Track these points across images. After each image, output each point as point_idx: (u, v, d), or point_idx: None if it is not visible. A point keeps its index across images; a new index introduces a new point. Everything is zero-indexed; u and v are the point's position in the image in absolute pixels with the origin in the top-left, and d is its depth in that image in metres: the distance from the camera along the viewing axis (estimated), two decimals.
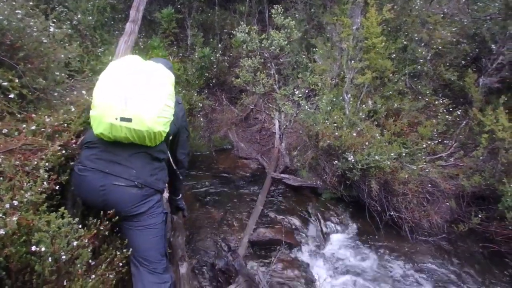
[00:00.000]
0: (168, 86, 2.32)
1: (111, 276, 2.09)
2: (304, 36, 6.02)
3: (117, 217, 2.26)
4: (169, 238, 3.05)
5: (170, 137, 2.48)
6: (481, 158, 4.30)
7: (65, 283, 1.80)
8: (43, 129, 2.36)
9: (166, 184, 2.62)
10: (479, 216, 3.97)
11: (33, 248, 1.65)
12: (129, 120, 2.12)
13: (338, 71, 5.01)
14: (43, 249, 1.65)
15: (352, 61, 4.60)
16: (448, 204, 4.26)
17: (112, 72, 2.22)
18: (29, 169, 2.03)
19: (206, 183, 4.94)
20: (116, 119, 2.11)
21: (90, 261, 1.99)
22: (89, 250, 1.92)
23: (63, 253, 1.71)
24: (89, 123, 2.34)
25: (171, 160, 2.62)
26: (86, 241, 1.95)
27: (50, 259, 1.67)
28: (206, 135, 6.02)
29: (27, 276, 1.71)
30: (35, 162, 2.06)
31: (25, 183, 1.87)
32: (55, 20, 3.24)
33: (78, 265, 1.83)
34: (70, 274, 1.83)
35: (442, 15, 5.56)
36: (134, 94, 2.13)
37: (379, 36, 4.40)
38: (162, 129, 2.23)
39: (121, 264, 2.20)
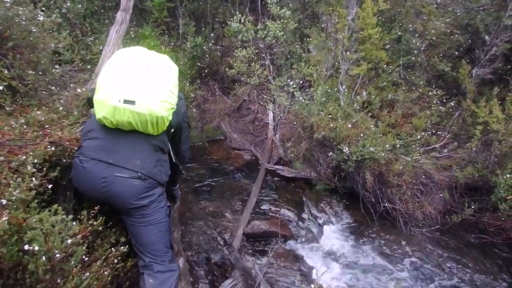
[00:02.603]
0: (172, 75, 2.31)
1: (106, 273, 2.05)
2: (298, 26, 5.94)
3: (120, 211, 2.26)
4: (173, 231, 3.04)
5: (172, 130, 2.44)
6: (474, 149, 4.32)
7: (59, 281, 1.76)
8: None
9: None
10: (472, 207, 4.00)
11: (26, 247, 1.60)
12: (133, 102, 2.10)
13: (333, 62, 4.97)
14: (36, 248, 1.60)
15: (347, 52, 4.56)
16: (441, 195, 4.29)
17: (117, 59, 2.21)
18: (16, 165, 1.96)
19: (199, 174, 4.89)
20: (120, 101, 2.09)
21: (84, 257, 1.95)
22: (84, 247, 1.88)
23: (57, 251, 1.66)
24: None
25: (172, 153, 2.58)
26: (80, 236, 1.90)
27: (44, 257, 1.62)
28: (199, 126, 5.94)
29: (19, 274, 1.66)
30: (23, 157, 1.99)
31: (12, 181, 1.80)
32: (44, 8, 3.15)
33: (73, 263, 1.79)
34: (64, 271, 1.78)
35: (435, 6, 5.53)
36: (139, 78, 2.13)
37: (375, 27, 4.36)
38: (165, 115, 2.20)
39: (116, 260, 2.16)
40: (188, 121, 2.65)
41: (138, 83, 2.12)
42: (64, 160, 2.34)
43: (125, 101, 2.09)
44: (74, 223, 1.90)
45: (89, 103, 2.56)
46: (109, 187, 2.18)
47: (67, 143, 2.34)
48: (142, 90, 2.12)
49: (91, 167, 2.19)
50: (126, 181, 2.20)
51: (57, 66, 3.06)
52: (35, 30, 2.73)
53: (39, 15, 2.92)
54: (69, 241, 1.74)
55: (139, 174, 2.22)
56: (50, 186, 2.08)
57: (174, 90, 2.28)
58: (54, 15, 3.31)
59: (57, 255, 1.67)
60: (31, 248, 1.61)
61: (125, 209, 2.24)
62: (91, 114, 2.50)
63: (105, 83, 2.12)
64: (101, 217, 2.15)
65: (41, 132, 2.29)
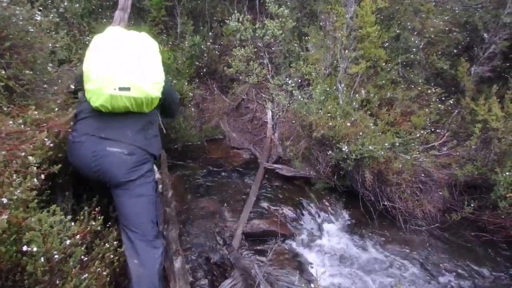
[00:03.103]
0: (156, 52, 2.43)
1: (104, 273, 2.04)
2: (296, 24, 5.93)
3: (109, 185, 2.33)
4: (165, 209, 3.19)
5: (160, 100, 2.55)
6: (473, 147, 4.32)
7: (58, 282, 1.75)
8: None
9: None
10: (472, 205, 3.99)
11: (24, 248, 1.58)
12: (128, 89, 2.21)
13: (331, 61, 4.95)
14: (35, 249, 1.59)
15: (346, 51, 4.54)
16: (441, 193, 4.28)
17: (101, 46, 2.28)
18: (17, 166, 1.94)
19: (198, 173, 4.87)
20: (115, 89, 2.19)
21: (83, 257, 1.94)
22: (83, 248, 1.86)
23: (55, 252, 1.65)
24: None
25: (161, 120, 2.72)
26: (78, 236, 1.89)
27: (42, 259, 1.61)
28: (197, 125, 5.92)
29: (18, 275, 1.65)
30: (23, 154, 1.97)
31: (12, 179, 1.79)
32: (41, 8, 3.13)
33: (71, 264, 1.77)
34: (63, 272, 1.77)
35: (434, 3, 5.52)
36: (129, 64, 2.23)
37: (373, 25, 4.35)
38: (158, 95, 2.36)
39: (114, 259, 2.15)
40: (171, 83, 2.87)
41: (129, 69, 2.21)
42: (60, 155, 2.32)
43: (120, 89, 2.19)
44: (73, 223, 1.89)
45: (75, 93, 2.69)
46: (100, 161, 2.28)
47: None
48: (135, 75, 2.22)
49: (83, 141, 2.30)
50: (116, 155, 2.30)
51: (53, 66, 3.04)
52: (32, 30, 2.70)
53: (36, 15, 2.89)
54: (68, 242, 1.73)
55: (130, 148, 2.33)
56: (49, 183, 2.07)
57: (160, 67, 2.41)
58: (52, 15, 3.29)
59: (56, 256, 1.66)
60: (29, 249, 1.60)
61: (115, 183, 2.31)
62: (81, 99, 2.56)
63: (97, 73, 2.18)
64: (100, 217, 2.14)
65: (37, 131, 2.28)
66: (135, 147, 2.36)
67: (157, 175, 3.13)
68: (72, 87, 2.70)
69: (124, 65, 2.21)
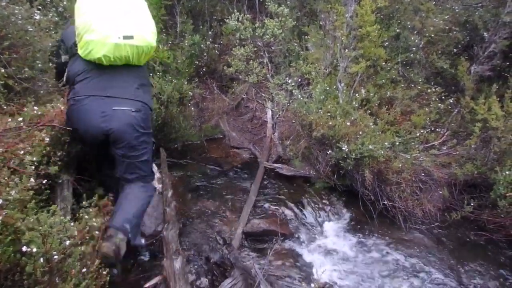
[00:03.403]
0: (146, 8, 2.58)
1: (104, 272, 2.04)
2: (296, 23, 5.92)
3: (116, 144, 2.46)
4: (165, 209, 3.34)
5: None
6: (473, 146, 4.32)
7: (57, 282, 1.74)
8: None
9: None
10: (472, 204, 3.99)
11: (24, 248, 1.58)
12: (131, 37, 2.32)
13: (331, 60, 4.95)
14: (34, 249, 1.58)
15: (346, 50, 4.54)
16: (440, 192, 4.28)
17: (97, 1, 2.38)
18: (14, 165, 1.94)
19: (198, 173, 4.87)
20: (119, 38, 2.28)
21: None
22: (82, 248, 1.86)
23: (55, 252, 1.64)
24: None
25: None
26: (76, 234, 1.89)
27: (42, 259, 1.60)
28: (197, 124, 5.92)
29: (17, 276, 1.64)
30: (22, 152, 1.97)
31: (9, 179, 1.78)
32: (40, 7, 3.13)
33: (71, 264, 1.77)
34: (63, 272, 1.76)
35: (434, 3, 5.51)
36: (128, 14, 2.36)
37: (373, 24, 4.34)
38: (155, 44, 2.53)
39: None
40: None
41: (130, 18, 2.35)
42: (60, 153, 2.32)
43: (125, 37, 2.30)
44: (72, 223, 1.88)
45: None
46: (110, 121, 2.37)
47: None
48: (137, 24, 2.37)
49: (89, 103, 2.36)
50: (126, 113, 2.41)
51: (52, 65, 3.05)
52: (31, 29, 2.71)
53: (35, 14, 2.90)
54: (67, 242, 1.72)
55: (137, 103, 2.47)
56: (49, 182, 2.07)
57: (152, 21, 2.56)
58: (51, 14, 3.28)
59: (55, 257, 1.66)
60: (29, 249, 1.60)
61: (125, 142, 2.45)
62: (62, 60, 2.65)
63: (99, 23, 2.27)
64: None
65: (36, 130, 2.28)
66: (141, 103, 2.51)
67: (157, 175, 3.22)
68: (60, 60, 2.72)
69: (124, 15, 2.33)
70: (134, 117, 2.43)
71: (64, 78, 2.64)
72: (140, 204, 2.56)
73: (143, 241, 2.86)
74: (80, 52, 2.37)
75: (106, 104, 2.37)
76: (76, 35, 2.40)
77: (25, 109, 2.29)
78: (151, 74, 4.83)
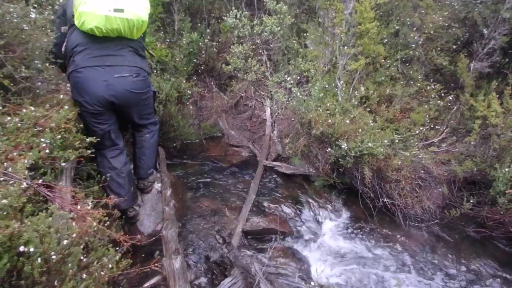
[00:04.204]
0: None
1: (102, 273, 2.02)
2: (294, 21, 5.89)
3: (122, 109, 2.84)
4: (164, 208, 3.43)
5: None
6: (472, 143, 4.31)
7: (56, 283, 1.73)
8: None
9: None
10: (471, 201, 3.98)
11: (21, 248, 1.56)
12: (122, 10, 2.44)
13: (330, 57, 4.93)
14: (31, 249, 1.56)
15: (345, 47, 4.52)
16: (440, 189, 4.27)
17: None
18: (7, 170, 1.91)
19: (197, 172, 4.86)
20: (110, 10, 2.41)
21: (82, 257, 1.92)
22: (81, 247, 1.84)
23: (53, 253, 1.63)
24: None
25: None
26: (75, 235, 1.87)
27: (39, 259, 1.58)
28: (196, 123, 5.91)
29: (15, 277, 1.62)
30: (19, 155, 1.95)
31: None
32: (36, 6, 3.12)
33: (70, 265, 1.75)
34: (61, 273, 1.75)
35: None
36: None
37: (373, 21, 4.32)
38: (147, 19, 2.64)
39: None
40: None
41: None
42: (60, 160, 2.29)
43: (115, 10, 2.42)
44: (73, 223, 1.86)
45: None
46: (114, 88, 2.62)
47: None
48: None
49: (91, 74, 2.57)
50: (127, 79, 2.68)
51: (49, 64, 3.03)
52: (27, 27, 2.68)
53: (31, 12, 2.87)
54: (65, 242, 1.71)
55: (135, 69, 2.71)
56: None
57: None
58: (47, 12, 3.24)
59: (54, 257, 1.64)
60: (26, 250, 1.58)
61: (130, 105, 2.84)
62: (62, 30, 2.83)
63: None
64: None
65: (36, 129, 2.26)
66: (138, 68, 2.76)
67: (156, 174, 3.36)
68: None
69: None
70: (134, 83, 2.72)
71: (63, 49, 2.77)
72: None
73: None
74: (76, 22, 2.54)
75: (107, 73, 2.58)
76: (73, 6, 2.58)
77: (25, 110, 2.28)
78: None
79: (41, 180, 2.04)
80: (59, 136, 2.31)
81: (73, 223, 1.87)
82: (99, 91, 2.59)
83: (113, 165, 2.93)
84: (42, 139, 2.14)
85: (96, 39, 2.57)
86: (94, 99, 2.61)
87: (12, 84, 2.37)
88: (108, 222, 2.27)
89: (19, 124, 2.21)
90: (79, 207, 2.02)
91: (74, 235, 1.83)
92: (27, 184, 1.79)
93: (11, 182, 1.74)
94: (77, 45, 2.60)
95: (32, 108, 2.32)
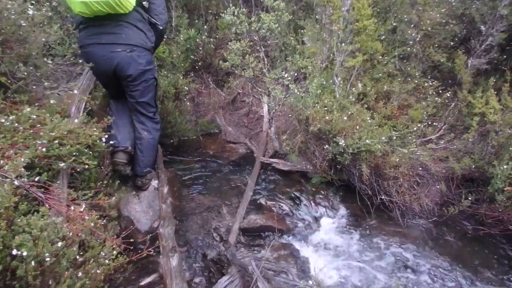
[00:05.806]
0: None
1: (98, 271, 2.00)
2: (292, 17, 5.87)
3: (122, 81, 3.09)
4: (161, 205, 3.51)
5: (144, 2, 3.11)
6: (471, 140, 4.30)
7: (50, 283, 1.70)
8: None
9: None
10: (469, 198, 3.98)
11: (14, 251, 1.53)
12: None
13: (327, 54, 4.91)
14: (24, 253, 1.54)
15: (343, 44, 4.50)
16: (438, 187, 4.27)
17: None
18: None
19: (194, 168, 4.83)
20: None
21: (77, 257, 1.90)
22: (75, 248, 1.82)
23: (47, 255, 1.60)
24: None
25: (151, 17, 3.23)
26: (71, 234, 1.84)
27: (33, 262, 1.56)
28: (193, 119, 5.87)
29: (8, 280, 1.60)
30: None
31: None
32: (33, 2, 3.10)
33: (64, 265, 1.73)
34: (56, 274, 1.72)
35: None
36: None
37: (370, 18, 4.30)
38: None
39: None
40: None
41: None
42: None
43: None
44: (65, 225, 1.84)
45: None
46: (111, 61, 2.90)
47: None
48: None
49: (92, 50, 2.91)
50: (122, 54, 2.90)
51: (49, 61, 3.01)
52: (24, 24, 2.66)
53: (28, 9, 2.84)
54: (59, 244, 1.68)
55: (129, 46, 2.90)
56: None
57: None
58: (45, 9, 3.21)
59: (47, 259, 1.61)
60: (19, 253, 1.55)
61: (129, 76, 3.00)
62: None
63: None
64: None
65: (31, 131, 2.23)
66: (131, 45, 2.92)
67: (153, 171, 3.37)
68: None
69: None
70: (130, 56, 2.92)
71: (75, 25, 3.14)
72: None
73: None
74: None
75: (104, 49, 2.87)
76: None
77: (22, 110, 2.25)
78: None
79: (37, 179, 2.02)
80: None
81: (64, 226, 1.84)
82: (101, 67, 2.95)
83: (116, 109, 3.38)
84: (39, 141, 2.11)
85: (92, 18, 2.81)
86: (98, 69, 2.99)
87: (9, 82, 2.35)
88: (104, 221, 2.25)
89: (16, 124, 2.18)
90: (72, 208, 1.99)
91: (70, 234, 1.81)
92: (18, 184, 1.76)
93: (3, 181, 1.71)
94: (80, 23, 2.92)
95: (29, 109, 2.29)
